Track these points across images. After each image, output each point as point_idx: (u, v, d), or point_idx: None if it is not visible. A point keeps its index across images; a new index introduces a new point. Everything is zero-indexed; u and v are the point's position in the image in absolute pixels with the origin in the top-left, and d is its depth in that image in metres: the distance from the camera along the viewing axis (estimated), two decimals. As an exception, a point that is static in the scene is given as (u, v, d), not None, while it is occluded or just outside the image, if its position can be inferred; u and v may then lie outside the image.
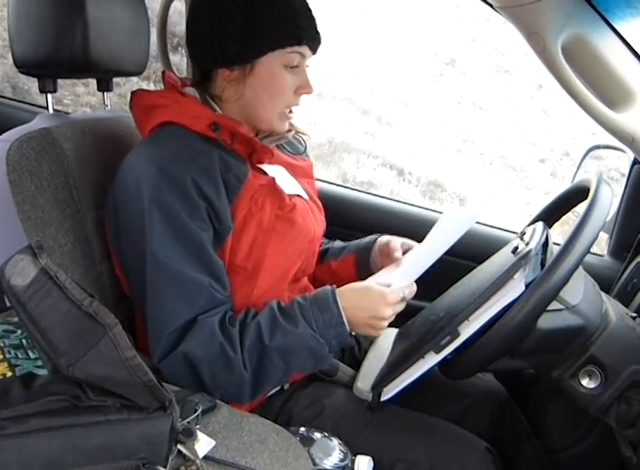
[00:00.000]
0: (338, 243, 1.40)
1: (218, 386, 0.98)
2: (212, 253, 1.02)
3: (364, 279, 1.21)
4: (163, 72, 1.18)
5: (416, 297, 1.17)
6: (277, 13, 1.05)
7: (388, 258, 1.21)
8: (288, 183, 1.17)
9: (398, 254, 1.19)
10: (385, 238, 1.27)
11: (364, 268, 1.28)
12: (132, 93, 1.14)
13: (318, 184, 1.35)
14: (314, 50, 1.12)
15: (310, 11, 1.10)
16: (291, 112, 1.14)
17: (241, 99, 1.11)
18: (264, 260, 1.08)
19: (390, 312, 1.04)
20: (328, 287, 1.06)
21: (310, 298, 1.05)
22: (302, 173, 1.25)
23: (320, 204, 1.29)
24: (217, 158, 1.05)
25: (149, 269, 0.99)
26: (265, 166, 1.14)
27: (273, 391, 1.16)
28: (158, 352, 0.98)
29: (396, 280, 1.08)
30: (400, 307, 1.06)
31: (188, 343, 0.97)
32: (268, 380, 1.02)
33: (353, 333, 1.06)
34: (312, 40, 1.10)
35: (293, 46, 1.07)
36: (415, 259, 1.11)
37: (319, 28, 1.11)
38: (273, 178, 1.12)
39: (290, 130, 1.21)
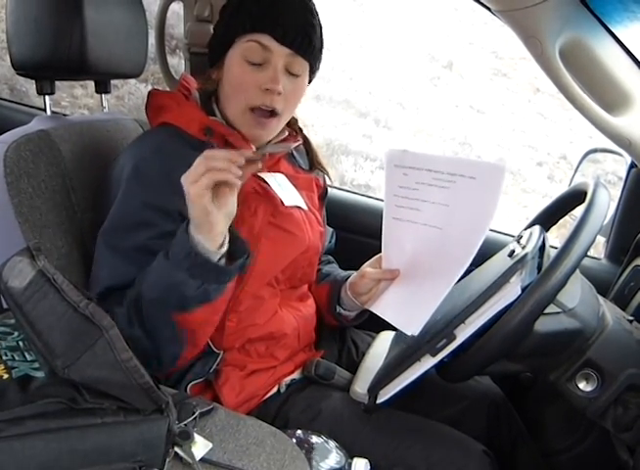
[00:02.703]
0: (327, 268, 1.39)
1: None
2: (160, 243, 0.97)
3: (333, 311, 1.26)
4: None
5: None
6: (238, 7, 1.08)
7: (361, 296, 1.19)
8: (288, 192, 1.17)
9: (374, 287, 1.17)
10: (353, 278, 1.22)
11: (333, 301, 1.27)
12: (148, 93, 1.17)
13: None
14: (282, 41, 1.05)
15: (281, 3, 1.06)
16: (271, 115, 1.09)
17: (222, 99, 1.13)
18: (253, 266, 1.08)
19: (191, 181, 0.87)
20: None
21: None
22: (304, 186, 1.25)
23: (320, 217, 1.30)
24: None
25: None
26: (265, 174, 1.14)
27: (269, 394, 1.16)
28: None
29: None
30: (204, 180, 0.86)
31: None
32: (157, 332, 0.94)
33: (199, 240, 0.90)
34: (273, 29, 1.04)
35: (245, 34, 1.05)
36: None
37: (294, 21, 1.06)
38: (266, 183, 1.13)
39: (296, 141, 1.22)
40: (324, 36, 1.14)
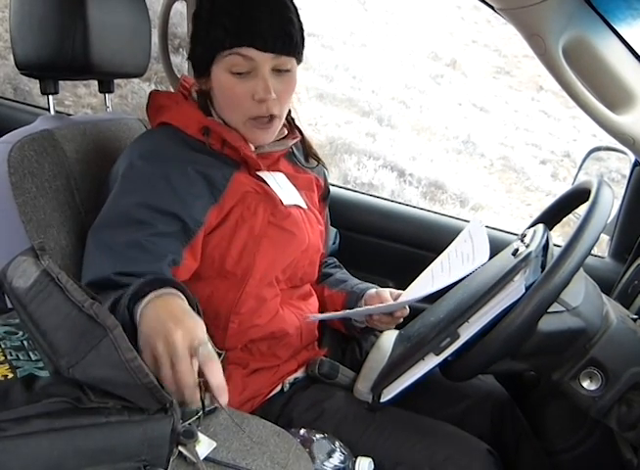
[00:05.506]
0: (340, 274, 1.39)
1: None
2: (155, 242, 0.98)
3: (348, 322, 1.29)
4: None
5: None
6: (210, 20, 1.05)
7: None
8: (287, 191, 1.17)
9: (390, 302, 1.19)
10: (373, 291, 1.25)
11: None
12: (149, 94, 1.17)
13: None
14: (264, 49, 1.03)
15: (253, 10, 1.02)
16: (271, 119, 1.09)
17: (218, 106, 1.13)
18: (253, 267, 1.08)
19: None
20: None
21: None
22: (303, 185, 1.25)
23: (320, 216, 1.29)
24: (203, 157, 1.07)
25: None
26: (265, 174, 1.14)
27: (273, 392, 1.16)
28: None
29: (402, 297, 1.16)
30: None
31: None
32: None
33: None
34: (252, 40, 1.02)
35: (225, 49, 1.04)
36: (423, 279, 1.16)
37: (271, 25, 1.03)
38: (265, 183, 1.13)
39: (294, 138, 1.21)
40: (303, 22, 1.10)
